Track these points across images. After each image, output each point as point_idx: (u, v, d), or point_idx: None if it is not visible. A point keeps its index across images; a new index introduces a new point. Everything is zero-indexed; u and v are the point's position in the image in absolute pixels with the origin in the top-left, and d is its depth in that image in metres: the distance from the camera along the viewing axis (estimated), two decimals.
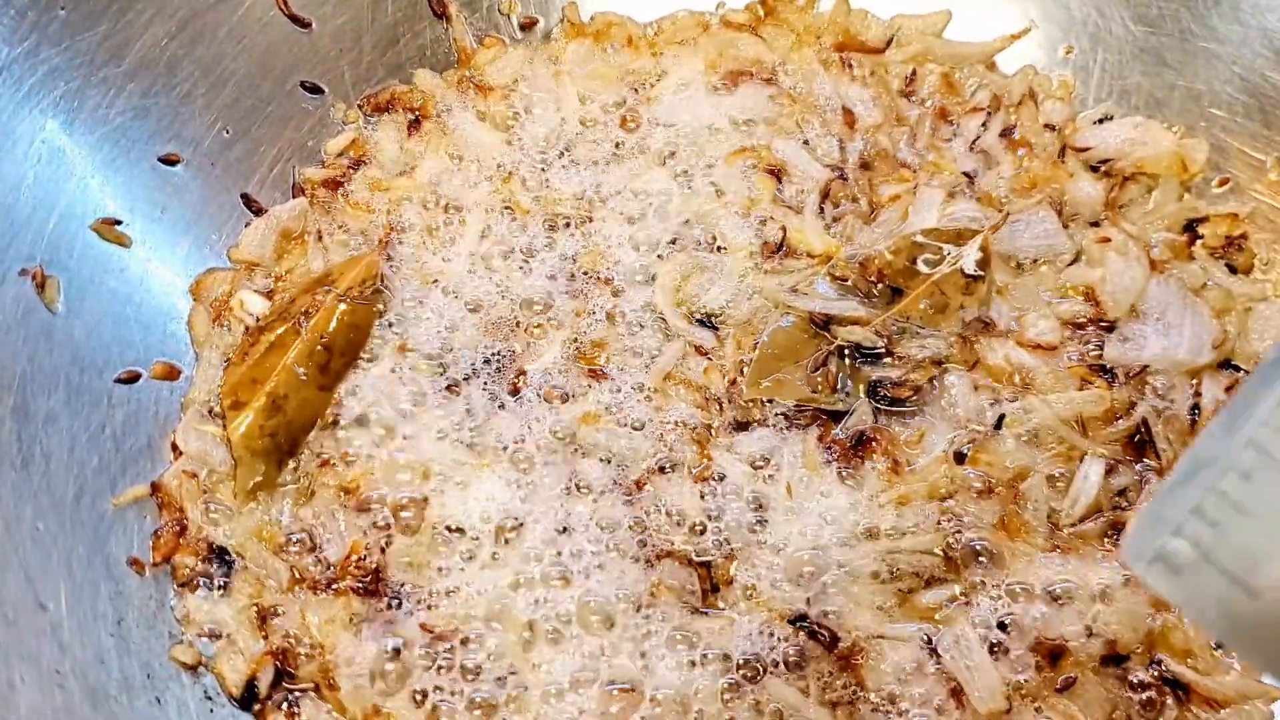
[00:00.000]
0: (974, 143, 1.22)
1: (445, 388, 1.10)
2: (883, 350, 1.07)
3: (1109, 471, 1.03)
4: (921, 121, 1.24)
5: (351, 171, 1.24)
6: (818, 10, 1.32)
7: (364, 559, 1.02)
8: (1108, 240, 1.14)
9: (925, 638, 0.98)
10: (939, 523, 1.02)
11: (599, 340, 1.12)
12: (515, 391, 1.10)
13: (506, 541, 1.03)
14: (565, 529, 1.03)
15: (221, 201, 1.20)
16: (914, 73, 1.26)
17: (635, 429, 1.08)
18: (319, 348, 1.08)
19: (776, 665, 0.97)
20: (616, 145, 1.24)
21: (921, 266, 1.10)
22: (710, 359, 1.11)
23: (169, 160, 1.17)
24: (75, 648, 0.95)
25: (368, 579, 1.01)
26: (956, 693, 0.96)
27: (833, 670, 0.97)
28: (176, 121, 1.17)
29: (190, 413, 1.10)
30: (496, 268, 1.17)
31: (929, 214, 1.15)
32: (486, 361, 1.12)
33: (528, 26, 1.34)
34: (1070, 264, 1.15)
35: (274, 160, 1.23)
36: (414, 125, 1.26)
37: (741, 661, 0.97)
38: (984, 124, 1.23)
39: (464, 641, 0.99)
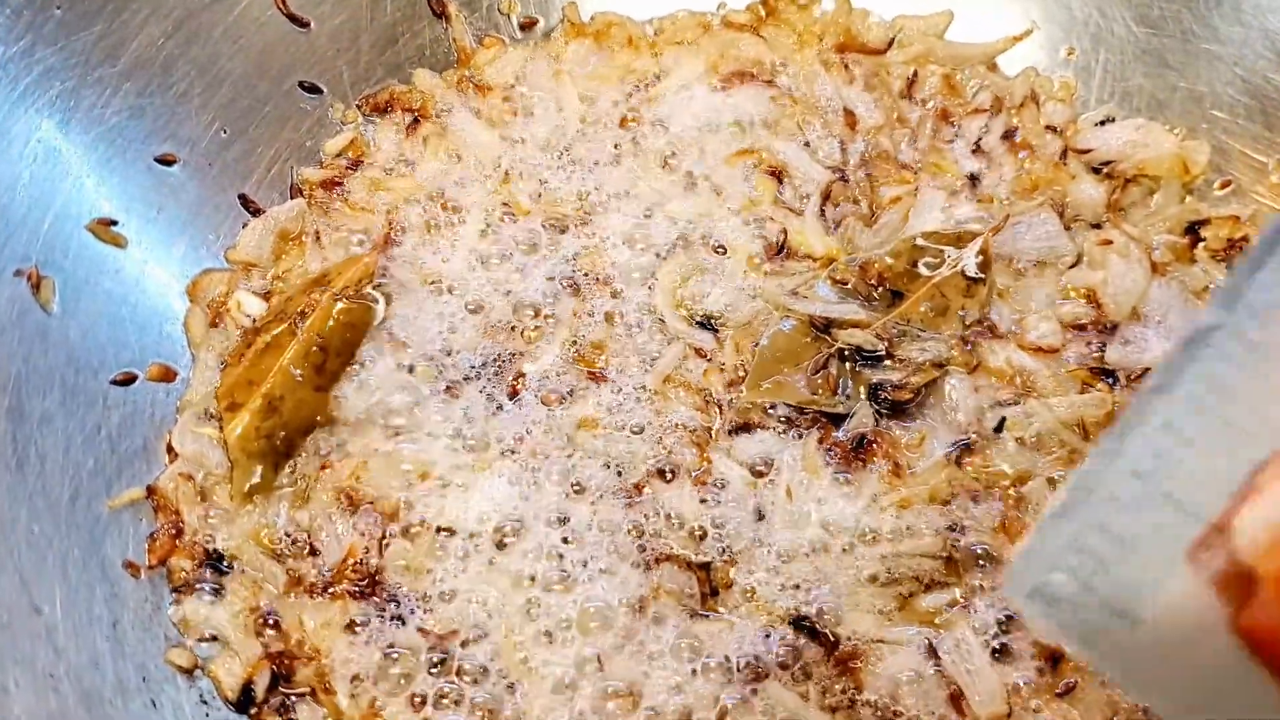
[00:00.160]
0: (975, 144, 1.22)
1: (443, 389, 1.10)
2: (883, 353, 1.06)
3: None
4: (923, 123, 1.23)
5: (350, 172, 1.23)
6: (819, 11, 1.31)
7: (361, 562, 1.02)
8: (1109, 242, 1.14)
9: (925, 641, 0.97)
10: (940, 526, 1.01)
11: (598, 342, 1.12)
12: (514, 393, 1.09)
13: (505, 544, 1.02)
14: (564, 532, 1.03)
15: (218, 202, 1.19)
16: (915, 74, 1.26)
17: (635, 432, 1.07)
18: (315, 348, 1.08)
19: (776, 669, 0.97)
20: (616, 146, 1.23)
21: (922, 269, 1.10)
22: (710, 361, 1.10)
23: (165, 160, 1.16)
24: (70, 651, 0.94)
25: (365, 582, 1.01)
26: (956, 697, 0.95)
27: (832, 674, 0.97)
28: (173, 121, 1.17)
29: (186, 415, 1.10)
30: (496, 269, 1.16)
31: (930, 216, 1.15)
32: (485, 363, 1.11)
33: (527, 26, 1.33)
34: (1072, 266, 1.14)
35: (272, 161, 1.23)
36: (413, 125, 1.26)
37: (741, 665, 0.97)
38: (985, 126, 1.22)
39: (462, 645, 0.98)
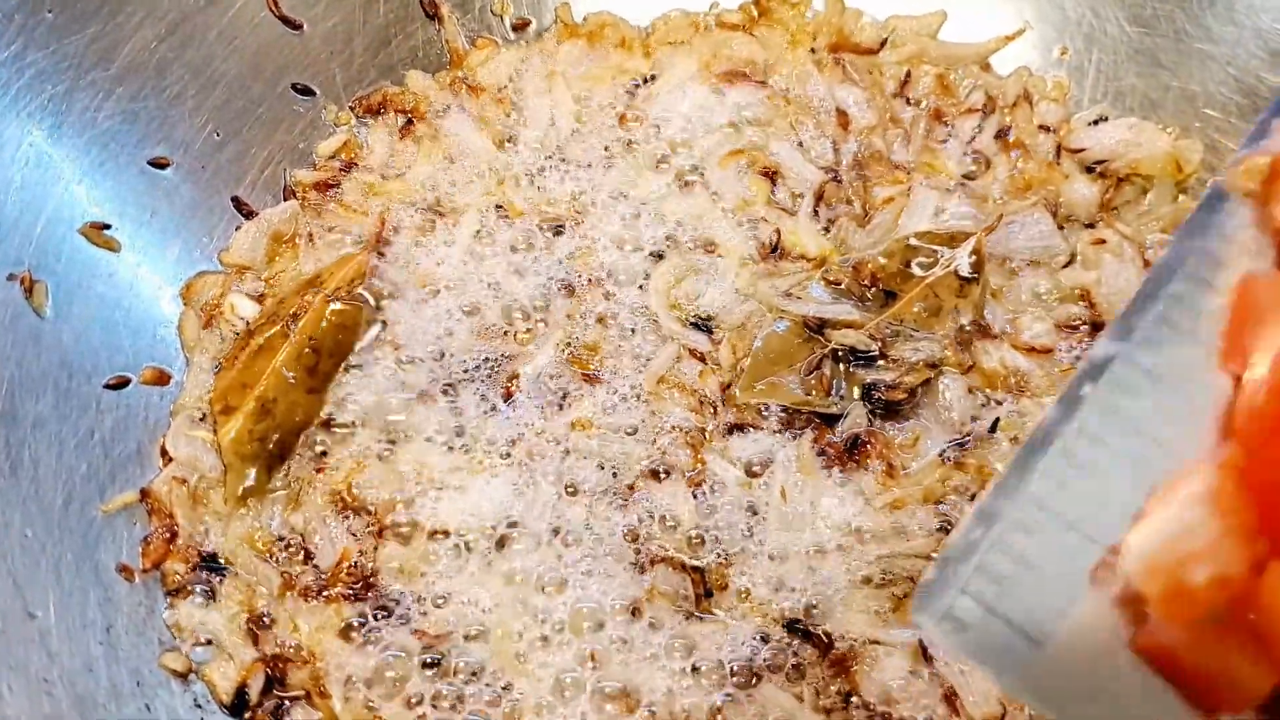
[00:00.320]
0: (968, 144, 1.22)
1: (438, 391, 1.09)
2: (877, 354, 1.06)
3: None
4: (916, 123, 1.23)
5: (343, 174, 1.23)
6: (812, 11, 1.31)
7: (355, 565, 1.02)
8: (1103, 242, 1.14)
9: (919, 642, 0.97)
10: (934, 527, 1.01)
11: (592, 344, 1.12)
12: (508, 395, 1.09)
13: (499, 547, 1.02)
14: (558, 534, 1.03)
15: (212, 205, 1.19)
16: (908, 74, 1.26)
17: (629, 433, 1.07)
18: (307, 350, 1.07)
19: (771, 671, 0.97)
20: (610, 146, 1.23)
21: (915, 269, 1.10)
22: (704, 362, 1.10)
23: (158, 163, 1.16)
24: (64, 655, 0.94)
25: (359, 585, 1.01)
26: (950, 697, 0.95)
27: (827, 675, 0.97)
28: (166, 124, 1.16)
29: (180, 418, 1.10)
30: (489, 270, 1.16)
31: (923, 216, 1.15)
32: (479, 365, 1.11)
33: (520, 27, 1.33)
34: (1065, 266, 1.14)
35: (265, 163, 1.23)
36: (406, 127, 1.25)
37: (736, 667, 0.97)
38: (979, 125, 1.22)
39: (457, 647, 0.98)
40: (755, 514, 1.03)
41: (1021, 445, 0.67)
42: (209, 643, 1.01)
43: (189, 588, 1.03)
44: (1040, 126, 1.23)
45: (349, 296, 1.11)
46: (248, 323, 1.14)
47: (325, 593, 1.01)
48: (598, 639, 0.98)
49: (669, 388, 1.09)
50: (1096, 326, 1.10)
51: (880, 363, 1.06)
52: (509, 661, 0.98)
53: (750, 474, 1.04)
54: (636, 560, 1.01)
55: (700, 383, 1.09)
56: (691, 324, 1.12)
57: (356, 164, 1.24)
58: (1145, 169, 1.18)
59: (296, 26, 1.23)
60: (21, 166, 1.06)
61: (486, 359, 1.11)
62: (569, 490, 1.05)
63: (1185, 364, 0.65)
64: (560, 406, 1.09)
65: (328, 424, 1.08)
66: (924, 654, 0.97)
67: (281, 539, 1.04)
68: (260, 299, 1.16)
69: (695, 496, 1.03)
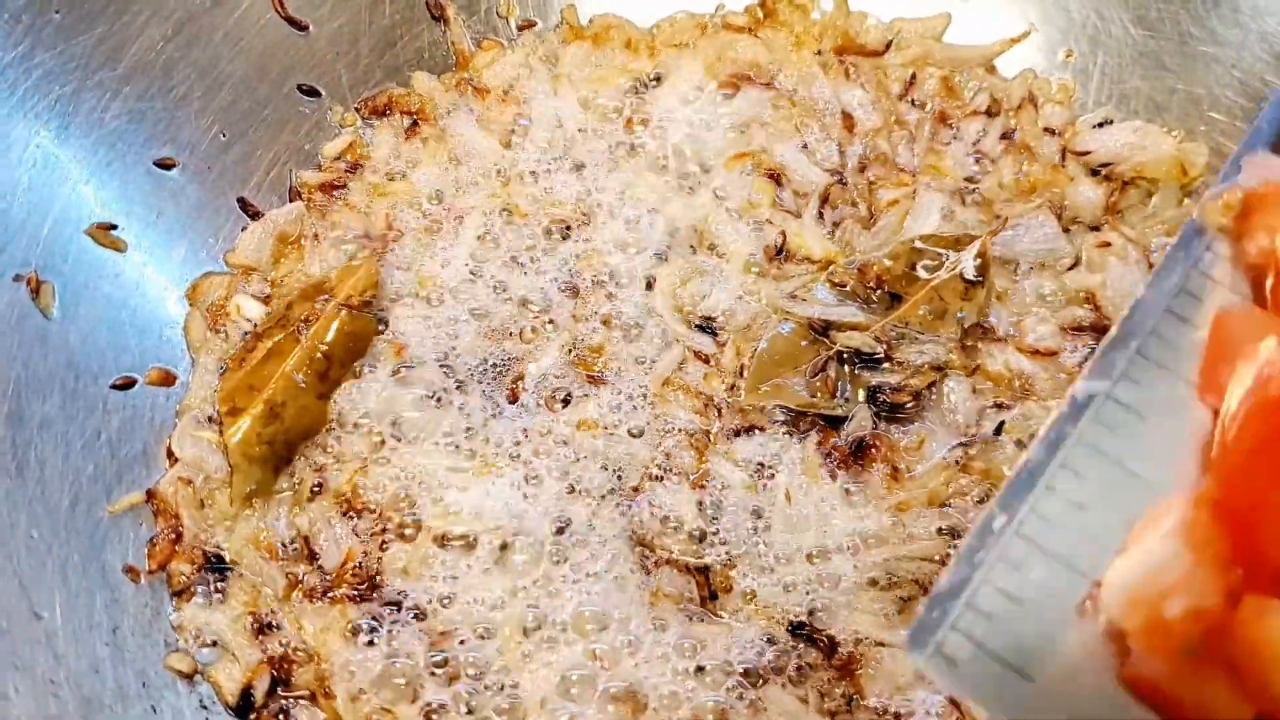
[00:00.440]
0: (973, 147, 1.22)
1: (443, 393, 1.10)
2: (882, 356, 1.06)
3: None
4: (921, 125, 1.23)
5: (349, 175, 1.23)
6: (817, 13, 1.31)
7: (360, 566, 1.02)
8: (1108, 245, 1.14)
9: None
10: (939, 529, 1.01)
11: (597, 345, 1.12)
12: (514, 397, 1.09)
13: (504, 548, 1.02)
14: (563, 535, 1.03)
15: (218, 205, 1.20)
16: (913, 76, 1.26)
17: (634, 434, 1.07)
18: (319, 356, 1.08)
19: (775, 673, 0.97)
20: (615, 148, 1.23)
21: (920, 272, 1.10)
22: (709, 364, 1.10)
23: (165, 164, 1.16)
24: (70, 656, 0.95)
25: (364, 586, 1.01)
26: (956, 701, 0.95)
27: (832, 678, 0.97)
28: (172, 125, 1.17)
29: (186, 419, 1.10)
30: (495, 272, 1.16)
31: (928, 218, 1.15)
32: (484, 366, 1.11)
33: (526, 29, 1.33)
34: (1070, 268, 1.14)
35: (270, 164, 1.23)
36: (412, 128, 1.26)
37: (741, 669, 0.97)
38: (983, 128, 1.22)
39: (462, 646, 0.99)
40: (760, 516, 1.03)
41: (1005, 482, 0.68)
42: (214, 644, 1.01)
43: (194, 589, 1.03)
44: (1045, 129, 1.23)
45: (361, 305, 1.11)
46: (253, 324, 1.14)
47: (330, 593, 1.01)
48: (603, 640, 0.98)
49: (674, 389, 1.09)
50: (1101, 329, 1.10)
51: (885, 365, 1.06)
52: (514, 662, 0.98)
53: (755, 476, 1.04)
54: (641, 562, 1.01)
55: (706, 385, 1.09)
56: (697, 325, 1.12)
57: (362, 165, 1.24)
58: (1150, 172, 1.18)
59: (302, 28, 1.24)
60: (29, 167, 1.06)
61: (491, 360, 1.12)
62: (573, 492, 1.05)
63: (1166, 399, 0.67)
64: (565, 407, 1.09)
65: (334, 425, 1.08)
66: None
67: (287, 540, 1.04)
68: (266, 300, 1.16)
69: (700, 499, 1.03)
